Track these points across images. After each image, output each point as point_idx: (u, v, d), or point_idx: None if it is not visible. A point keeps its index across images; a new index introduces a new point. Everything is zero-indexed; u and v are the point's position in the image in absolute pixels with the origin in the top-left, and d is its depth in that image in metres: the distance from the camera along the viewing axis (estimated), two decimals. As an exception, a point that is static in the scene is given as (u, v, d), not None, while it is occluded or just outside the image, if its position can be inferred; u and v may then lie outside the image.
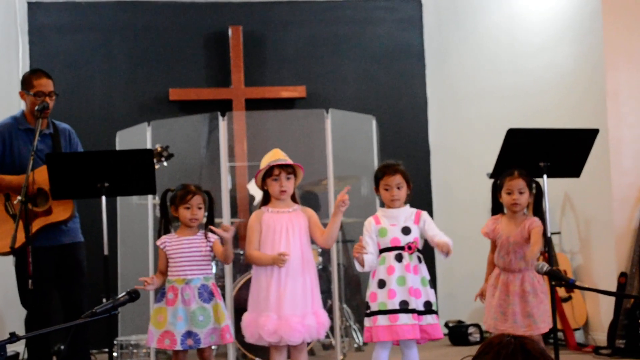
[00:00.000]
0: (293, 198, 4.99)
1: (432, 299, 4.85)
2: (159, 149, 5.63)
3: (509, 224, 5.06)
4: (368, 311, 4.84)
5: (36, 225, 5.22)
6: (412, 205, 5.05)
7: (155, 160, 5.41)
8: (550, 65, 7.46)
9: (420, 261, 4.87)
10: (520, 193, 5.02)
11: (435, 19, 8.67)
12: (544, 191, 5.22)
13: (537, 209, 5.15)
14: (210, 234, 4.94)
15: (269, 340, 4.74)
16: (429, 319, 4.80)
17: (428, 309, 4.81)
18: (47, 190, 5.24)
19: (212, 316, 4.82)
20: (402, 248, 4.82)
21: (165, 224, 5.00)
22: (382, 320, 4.75)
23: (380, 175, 4.95)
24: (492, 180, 5.27)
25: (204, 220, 5.02)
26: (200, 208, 4.92)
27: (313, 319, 4.82)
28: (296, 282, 4.80)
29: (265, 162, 4.89)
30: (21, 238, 5.00)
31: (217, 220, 6.82)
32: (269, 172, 4.88)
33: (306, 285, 4.84)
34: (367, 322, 4.84)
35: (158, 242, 4.94)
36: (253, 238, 4.91)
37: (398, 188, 4.89)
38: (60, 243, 5.42)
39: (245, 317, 4.89)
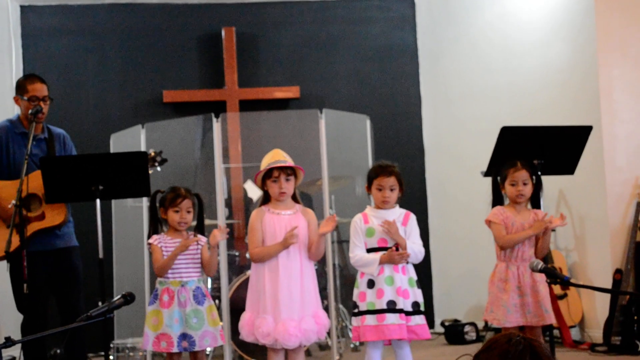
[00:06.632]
0: (294, 197, 4.96)
1: (420, 300, 4.86)
2: (153, 154, 5.62)
3: (517, 214, 5.06)
4: (356, 310, 4.84)
5: (29, 230, 5.19)
6: (406, 205, 5.05)
7: (148, 165, 5.39)
8: (544, 63, 7.47)
9: (407, 262, 4.87)
10: (525, 184, 5.04)
11: (428, 18, 8.67)
12: (541, 186, 5.24)
13: (536, 202, 5.16)
14: (200, 237, 4.93)
15: (264, 342, 4.74)
16: (417, 319, 4.80)
17: (416, 309, 4.82)
18: (40, 195, 5.23)
19: (206, 319, 4.82)
20: (389, 249, 4.82)
21: (155, 225, 4.99)
22: (370, 320, 4.75)
23: (374, 175, 4.93)
24: (487, 179, 5.28)
25: (194, 223, 5.01)
26: (189, 212, 4.90)
27: (312, 321, 4.79)
28: (294, 284, 4.77)
29: (266, 162, 4.84)
30: (15, 243, 4.98)
31: (208, 222, 6.84)
32: (269, 173, 4.84)
33: (304, 288, 4.80)
34: (355, 321, 4.84)
35: (151, 240, 4.90)
36: (256, 237, 4.84)
37: (391, 190, 4.88)
38: (54, 247, 5.40)
39: (243, 316, 4.87)
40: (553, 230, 7.13)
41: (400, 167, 4.98)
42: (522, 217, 5.05)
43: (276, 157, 4.85)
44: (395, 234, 4.79)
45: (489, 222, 5.10)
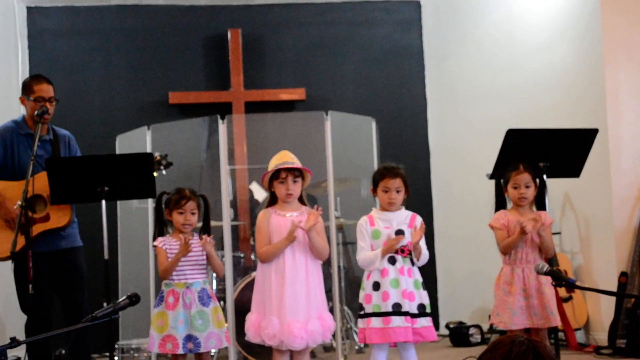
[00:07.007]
0: (301, 199, 4.96)
1: (426, 302, 4.86)
2: (158, 157, 5.63)
3: (520, 217, 5.03)
4: (362, 312, 4.84)
5: (34, 231, 5.20)
6: (412, 206, 5.05)
7: (154, 168, 5.40)
8: (549, 65, 7.46)
9: (413, 264, 4.87)
10: (527, 187, 5.03)
11: (434, 20, 8.67)
12: (546, 188, 5.23)
13: (540, 205, 5.15)
14: (205, 237, 4.92)
15: (270, 343, 4.74)
16: (423, 321, 4.81)
17: (422, 311, 4.82)
18: (45, 196, 5.23)
19: (211, 320, 4.81)
20: (395, 251, 4.81)
21: (160, 227, 4.98)
22: (375, 322, 4.76)
23: (379, 177, 4.92)
24: (492, 181, 5.27)
25: (199, 224, 5.00)
26: (193, 213, 4.90)
27: (317, 323, 4.78)
28: (300, 286, 4.76)
29: (273, 164, 4.84)
30: (20, 243, 4.99)
31: (214, 224, 6.85)
32: (276, 174, 4.84)
33: (310, 290, 4.80)
34: (361, 323, 4.85)
35: (156, 242, 4.90)
36: (263, 237, 4.83)
37: (397, 192, 4.87)
38: (58, 248, 5.41)
39: (249, 317, 4.86)
40: (558, 232, 7.19)
41: (405, 168, 4.98)
42: (525, 220, 5.04)
43: (284, 158, 4.85)
44: (418, 239, 4.80)
45: (491, 227, 5.10)
